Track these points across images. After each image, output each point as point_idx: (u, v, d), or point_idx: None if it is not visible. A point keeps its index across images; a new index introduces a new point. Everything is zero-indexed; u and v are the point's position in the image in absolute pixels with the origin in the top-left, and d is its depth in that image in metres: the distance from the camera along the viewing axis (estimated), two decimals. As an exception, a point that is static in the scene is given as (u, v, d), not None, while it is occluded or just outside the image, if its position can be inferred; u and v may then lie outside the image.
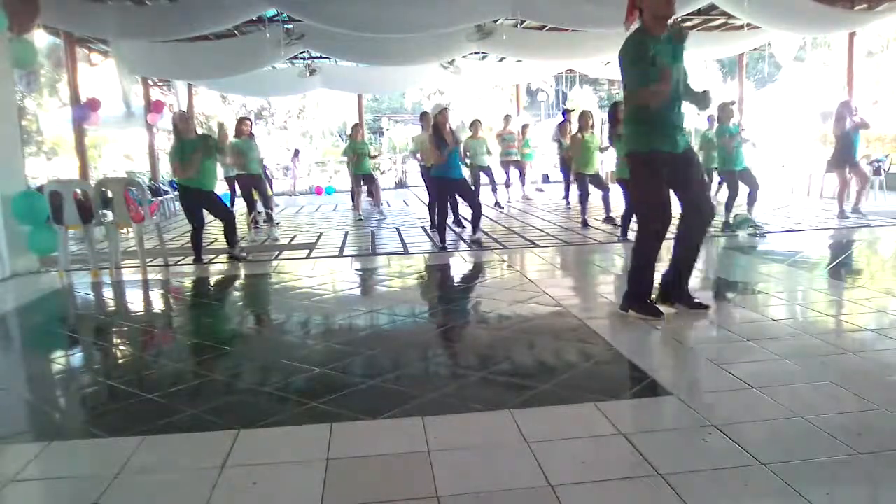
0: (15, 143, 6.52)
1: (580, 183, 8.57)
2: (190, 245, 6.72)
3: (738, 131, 7.54)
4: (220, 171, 8.29)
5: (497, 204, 10.83)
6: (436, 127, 6.84)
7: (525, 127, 12.72)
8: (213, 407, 2.83)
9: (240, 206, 11.24)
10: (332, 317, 4.48)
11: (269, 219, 9.18)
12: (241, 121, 9.45)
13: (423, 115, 9.41)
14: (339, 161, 17.45)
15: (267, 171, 11.88)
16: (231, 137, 9.23)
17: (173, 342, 4.14)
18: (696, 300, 3.98)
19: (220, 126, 6.97)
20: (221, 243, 7.02)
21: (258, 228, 9.16)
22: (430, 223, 8.80)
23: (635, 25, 3.70)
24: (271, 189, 12.76)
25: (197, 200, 6.52)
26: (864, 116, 8.41)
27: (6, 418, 2.87)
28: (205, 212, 6.65)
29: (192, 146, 6.35)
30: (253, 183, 9.14)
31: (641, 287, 3.90)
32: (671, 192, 3.77)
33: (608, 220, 8.22)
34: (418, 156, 9.21)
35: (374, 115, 30.27)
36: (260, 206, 9.48)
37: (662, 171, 3.70)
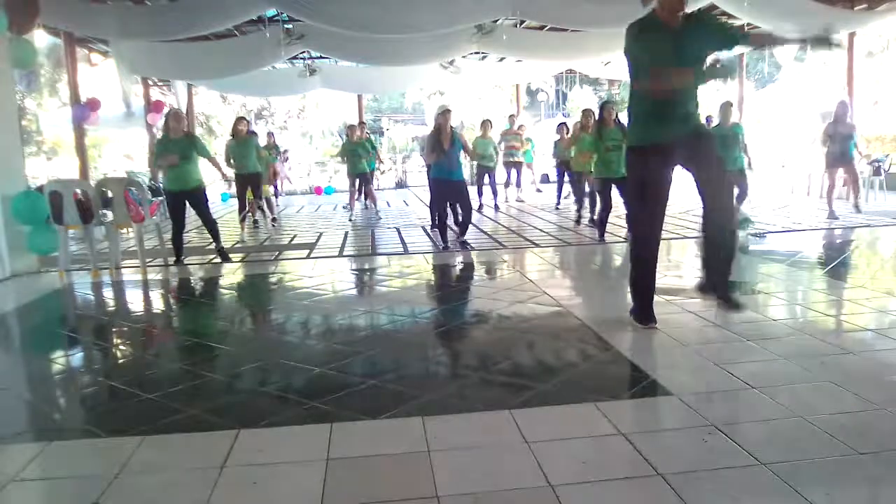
0: (15, 143, 6.52)
1: (574, 181, 8.65)
2: (189, 244, 6.72)
3: (741, 132, 7.55)
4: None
5: (496, 207, 10.84)
6: (437, 128, 6.83)
7: (521, 127, 12.72)
8: (213, 407, 2.83)
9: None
10: (332, 317, 4.48)
11: (264, 216, 9.18)
12: (238, 121, 9.43)
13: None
14: (332, 156, 17.41)
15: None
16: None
17: (173, 342, 4.14)
18: (735, 299, 3.57)
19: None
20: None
21: (257, 227, 9.16)
22: (430, 223, 8.81)
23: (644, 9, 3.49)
24: (277, 189, 12.78)
25: (180, 201, 6.52)
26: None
27: (6, 418, 2.87)
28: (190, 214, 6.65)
29: (174, 145, 6.37)
30: (249, 182, 9.13)
31: (637, 290, 3.72)
32: (688, 172, 3.50)
33: (578, 221, 8.32)
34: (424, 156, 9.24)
35: (374, 115, 30.26)
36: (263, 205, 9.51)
37: (658, 165, 3.46)
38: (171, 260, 6.62)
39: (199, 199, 6.61)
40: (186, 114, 13.84)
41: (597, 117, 7.14)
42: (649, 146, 3.48)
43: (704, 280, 3.68)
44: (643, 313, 3.71)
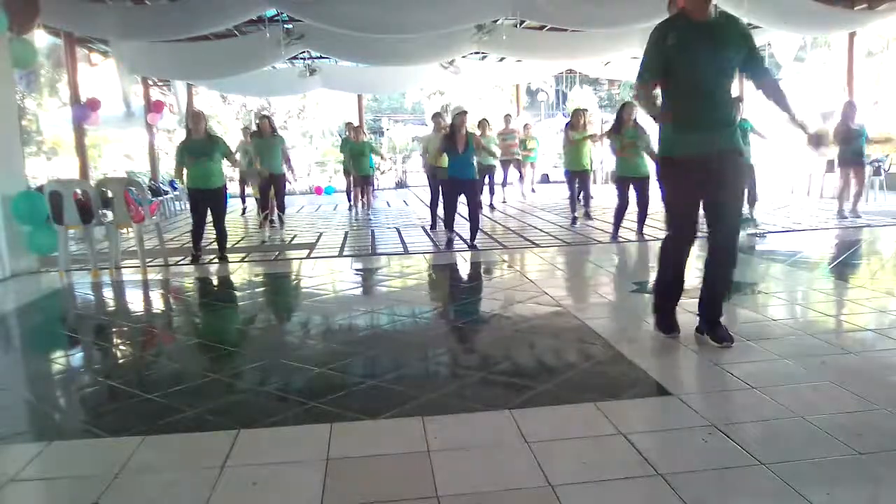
0: (15, 143, 6.52)
1: (569, 180, 8.68)
2: (190, 245, 6.73)
3: (749, 127, 7.58)
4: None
5: (491, 206, 10.85)
6: (453, 128, 6.85)
7: (527, 126, 12.75)
8: (213, 407, 2.83)
9: (250, 205, 11.40)
10: (332, 317, 4.48)
11: (280, 220, 9.17)
12: (262, 119, 9.35)
13: (436, 115, 9.47)
14: (337, 161, 17.43)
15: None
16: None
17: (173, 342, 4.14)
18: (722, 334, 3.37)
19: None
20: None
21: (273, 227, 9.15)
22: (430, 223, 8.80)
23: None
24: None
25: (202, 200, 6.58)
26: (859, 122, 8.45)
27: (6, 418, 2.87)
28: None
29: (197, 147, 6.43)
30: (272, 182, 9.10)
31: (661, 296, 3.55)
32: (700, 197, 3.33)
33: (586, 214, 8.34)
34: (426, 156, 9.23)
35: (374, 115, 30.24)
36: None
37: (689, 175, 3.24)
38: (188, 259, 6.67)
39: (219, 200, 6.68)
40: (186, 114, 13.87)
41: (615, 117, 7.23)
42: (679, 158, 3.26)
43: (699, 320, 3.49)
44: (665, 321, 3.54)
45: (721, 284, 3.42)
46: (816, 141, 3.40)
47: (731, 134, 3.27)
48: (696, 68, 3.18)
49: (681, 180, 3.30)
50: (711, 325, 3.41)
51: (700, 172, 3.22)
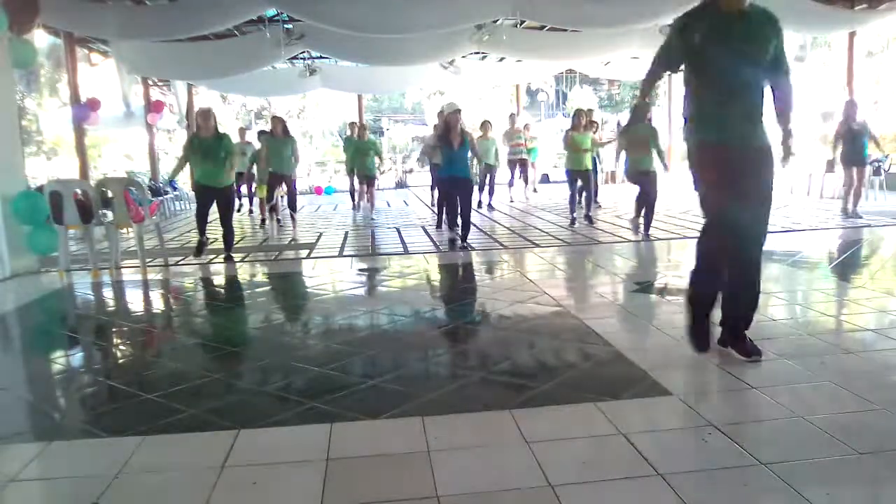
0: (15, 143, 6.52)
1: (570, 180, 8.69)
2: (190, 245, 6.73)
3: None
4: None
5: (490, 206, 10.85)
6: (446, 125, 6.84)
7: (526, 126, 12.77)
8: (213, 407, 2.83)
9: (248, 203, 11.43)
10: (332, 317, 4.48)
11: (292, 220, 9.18)
12: (274, 120, 9.34)
13: (441, 113, 9.48)
14: (338, 161, 17.44)
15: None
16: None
17: (173, 342, 4.14)
18: (749, 346, 3.09)
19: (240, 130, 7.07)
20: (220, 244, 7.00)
21: (281, 226, 9.17)
22: (436, 223, 8.82)
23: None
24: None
25: (209, 196, 6.60)
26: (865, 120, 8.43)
27: (6, 418, 2.87)
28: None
29: (206, 145, 6.42)
30: (283, 181, 9.11)
31: (694, 300, 3.19)
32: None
33: (587, 217, 8.36)
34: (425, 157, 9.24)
35: (374, 115, 30.25)
36: (282, 204, 9.49)
37: (720, 163, 3.00)
38: (194, 245, 6.70)
39: (228, 199, 6.69)
40: (187, 114, 13.88)
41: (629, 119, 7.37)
42: (712, 144, 3.03)
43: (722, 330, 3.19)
44: (700, 336, 3.17)
45: (747, 297, 3.08)
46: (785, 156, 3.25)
47: (759, 133, 3.05)
48: (725, 64, 2.95)
49: (715, 165, 3.03)
50: (736, 338, 3.13)
51: (730, 163, 2.98)
